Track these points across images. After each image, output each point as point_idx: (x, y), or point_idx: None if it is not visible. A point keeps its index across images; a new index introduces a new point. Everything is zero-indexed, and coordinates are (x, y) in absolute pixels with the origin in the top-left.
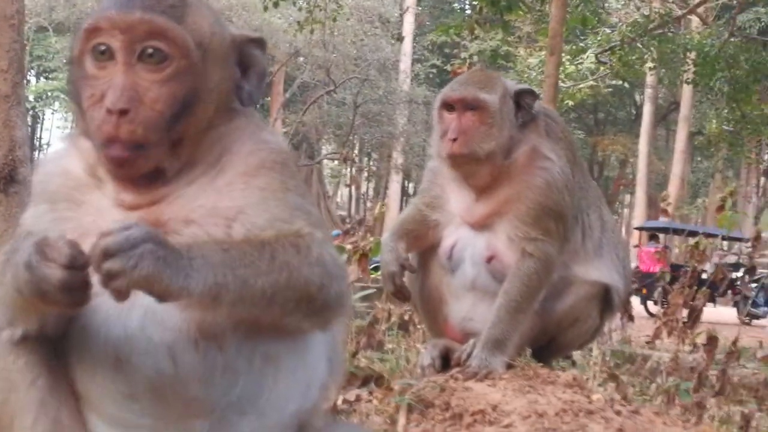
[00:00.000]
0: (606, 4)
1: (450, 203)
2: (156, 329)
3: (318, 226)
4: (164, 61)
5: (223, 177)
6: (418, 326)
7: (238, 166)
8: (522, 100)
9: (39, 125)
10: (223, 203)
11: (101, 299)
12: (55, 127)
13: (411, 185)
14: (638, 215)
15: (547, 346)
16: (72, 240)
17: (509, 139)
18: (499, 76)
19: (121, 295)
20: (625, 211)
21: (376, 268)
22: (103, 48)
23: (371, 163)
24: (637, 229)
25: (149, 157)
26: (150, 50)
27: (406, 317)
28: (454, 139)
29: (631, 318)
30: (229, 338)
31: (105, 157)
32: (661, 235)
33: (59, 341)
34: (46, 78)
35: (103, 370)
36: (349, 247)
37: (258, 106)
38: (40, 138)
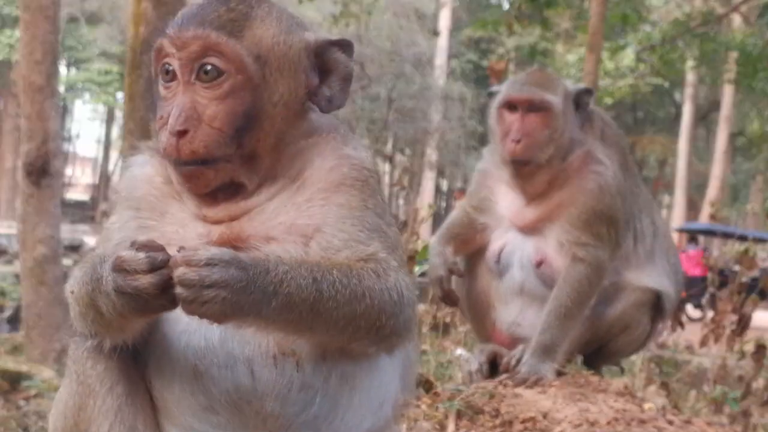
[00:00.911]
0: (647, 2)
1: (499, 206)
2: (236, 343)
3: (394, 248)
4: (220, 77)
5: (304, 193)
6: (459, 328)
7: (319, 181)
8: (581, 99)
9: (69, 116)
10: (301, 220)
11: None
12: (85, 119)
13: (445, 182)
14: (677, 216)
15: (597, 352)
16: (143, 242)
17: (569, 141)
18: (558, 76)
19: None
20: (664, 212)
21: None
22: (166, 68)
23: (405, 159)
24: (678, 230)
25: (219, 171)
26: (207, 67)
27: (447, 319)
28: (517, 141)
29: (681, 325)
30: (306, 356)
31: (176, 174)
32: (700, 237)
33: (138, 350)
34: (77, 69)
35: (182, 381)
36: None
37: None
38: (70, 130)
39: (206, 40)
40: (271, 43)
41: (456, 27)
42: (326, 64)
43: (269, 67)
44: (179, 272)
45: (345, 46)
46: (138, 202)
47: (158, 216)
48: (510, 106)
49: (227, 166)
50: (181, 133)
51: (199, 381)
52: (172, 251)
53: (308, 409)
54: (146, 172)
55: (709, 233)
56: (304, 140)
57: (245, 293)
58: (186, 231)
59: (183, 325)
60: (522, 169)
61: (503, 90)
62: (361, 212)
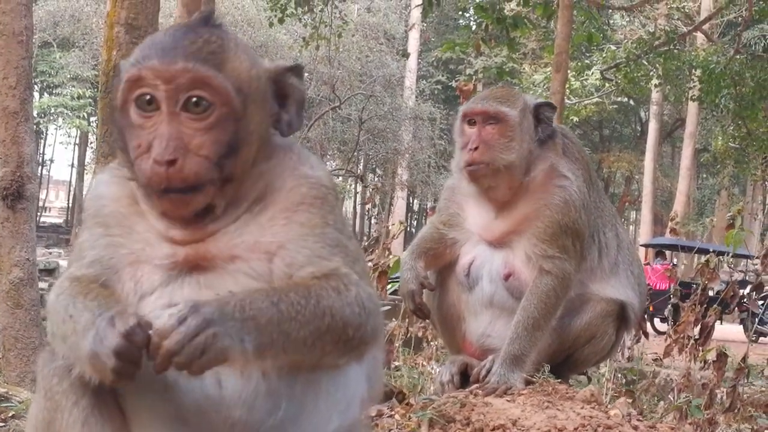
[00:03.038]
0: (611, 21)
1: (468, 221)
2: None
3: (356, 261)
4: (207, 110)
5: (266, 213)
6: (431, 342)
7: (280, 202)
8: (541, 113)
9: (43, 141)
10: (265, 238)
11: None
12: (59, 143)
13: (416, 202)
14: (644, 232)
15: (564, 362)
16: (143, 318)
17: (529, 153)
18: (519, 91)
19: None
20: (631, 227)
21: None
22: (147, 98)
23: (376, 179)
24: (643, 245)
25: (200, 198)
26: (194, 99)
27: (420, 334)
28: (475, 149)
29: (645, 335)
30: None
31: (158, 202)
32: (668, 252)
33: None
34: (50, 94)
35: (152, 393)
36: (368, 264)
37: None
38: (44, 154)
39: (195, 74)
40: (248, 76)
41: (425, 48)
42: (283, 90)
43: (247, 98)
44: (166, 347)
45: (297, 70)
46: (106, 219)
47: (126, 233)
48: (469, 120)
49: (209, 191)
50: (171, 162)
51: (169, 392)
52: (142, 268)
53: (275, 415)
54: (112, 191)
55: (673, 248)
56: (266, 162)
57: (221, 324)
58: (153, 250)
59: None
60: (479, 176)
61: (464, 106)
62: (322, 229)
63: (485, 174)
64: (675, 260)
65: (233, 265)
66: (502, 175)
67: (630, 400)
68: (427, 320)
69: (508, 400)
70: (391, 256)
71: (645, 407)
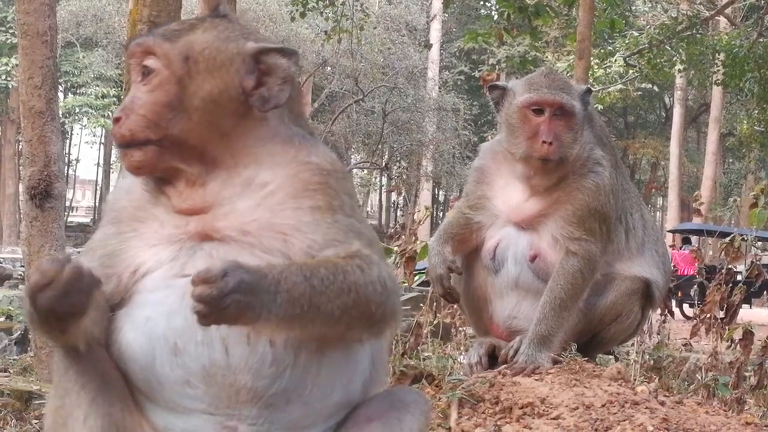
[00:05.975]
0: (633, 7)
1: (496, 201)
2: None
3: (372, 244)
4: (151, 74)
5: (273, 197)
6: (460, 329)
7: (285, 187)
8: (584, 99)
9: (68, 141)
10: (276, 220)
11: (164, 293)
12: (84, 143)
13: (441, 192)
14: (671, 218)
15: (591, 341)
16: (58, 258)
17: (585, 142)
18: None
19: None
20: (658, 214)
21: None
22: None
23: (401, 171)
24: (671, 231)
25: (139, 154)
26: (143, 67)
27: (447, 320)
28: (549, 143)
29: (671, 313)
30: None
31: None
32: (694, 239)
33: (117, 336)
34: (75, 93)
35: (161, 358)
36: (396, 249)
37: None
38: (69, 154)
39: (144, 46)
40: (202, 48)
41: (447, 39)
42: (267, 68)
43: (197, 66)
44: (199, 291)
45: (287, 53)
46: (118, 215)
47: (138, 223)
48: (537, 108)
49: (157, 150)
50: (116, 120)
51: (179, 357)
52: (153, 250)
53: (278, 383)
54: (126, 185)
55: (699, 233)
56: (262, 146)
57: (254, 294)
58: (165, 228)
59: (165, 307)
60: (548, 169)
61: (524, 90)
62: (332, 215)
63: (554, 168)
64: (701, 246)
65: (246, 239)
66: (564, 167)
67: (657, 378)
68: (456, 304)
69: (536, 379)
70: (418, 242)
71: (674, 389)
